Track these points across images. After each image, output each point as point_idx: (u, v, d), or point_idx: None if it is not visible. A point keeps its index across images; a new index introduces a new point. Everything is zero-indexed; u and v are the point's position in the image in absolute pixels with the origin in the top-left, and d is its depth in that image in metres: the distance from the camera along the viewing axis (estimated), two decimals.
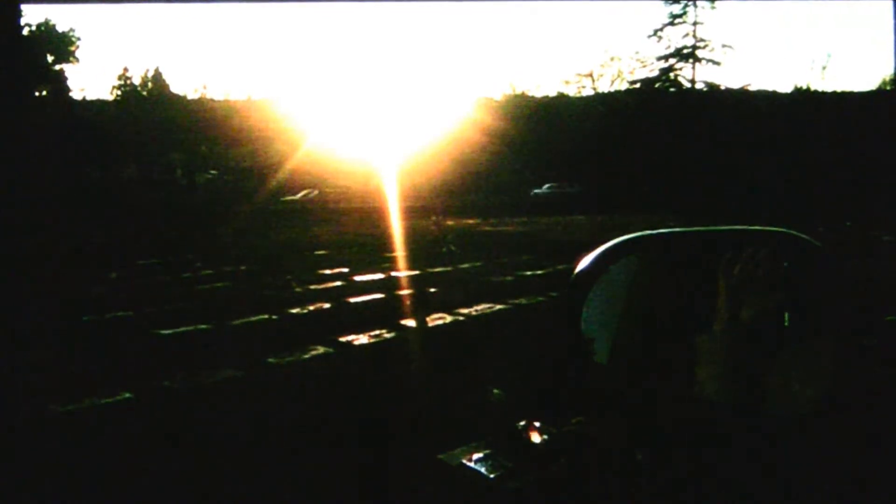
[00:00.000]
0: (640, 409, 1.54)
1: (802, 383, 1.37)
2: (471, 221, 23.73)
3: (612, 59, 49.95)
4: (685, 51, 39.85)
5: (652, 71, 40.64)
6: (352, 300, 8.38)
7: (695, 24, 39.70)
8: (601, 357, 1.63)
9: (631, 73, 42.23)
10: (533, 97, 42.71)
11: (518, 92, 42.88)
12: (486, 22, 75.54)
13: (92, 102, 43.72)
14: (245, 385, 5.05)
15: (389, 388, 4.91)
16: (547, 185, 37.07)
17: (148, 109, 41.68)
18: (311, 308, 7.94)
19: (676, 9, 39.63)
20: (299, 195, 35.74)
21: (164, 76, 45.71)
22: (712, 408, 1.40)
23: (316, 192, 36.13)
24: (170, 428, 4.22)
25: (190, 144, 40.72)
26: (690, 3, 39.24)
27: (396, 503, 3.17)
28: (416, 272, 10.66)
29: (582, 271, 1.59)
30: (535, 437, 2.64)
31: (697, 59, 39.91)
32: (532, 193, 35.95)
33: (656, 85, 40.42)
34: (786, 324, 1.45)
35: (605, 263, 1.61)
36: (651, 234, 1.74)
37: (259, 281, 10.27)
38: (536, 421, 2.64)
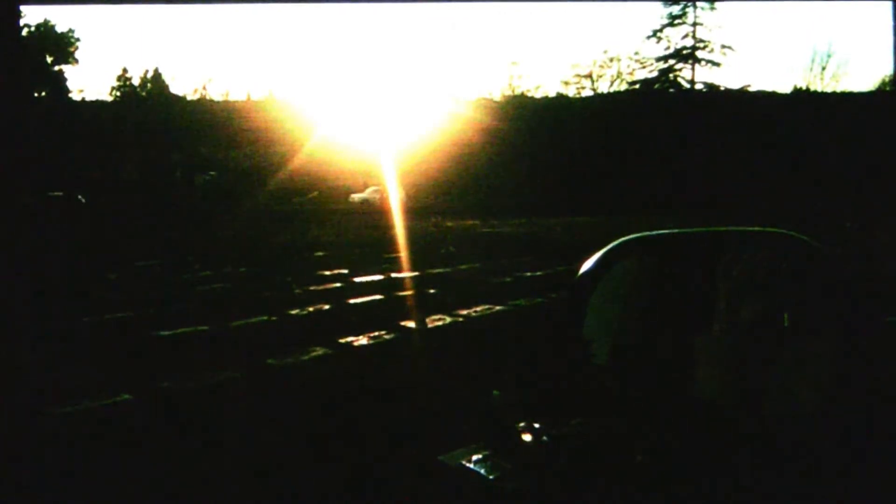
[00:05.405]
0: (640, 410, 1.54)
1: (802, 383, 1.37)
2: (470, 222, 23.71)
3: (611, 59, 49.90)
4: (685, 52, 39.97)
5: (651, 72, 40.75)
6: (351, 301, 8.38)
7: (694, 24, 39.82)
8: (601, 358, 1.63)
9: (630, 74, 42.27)
10: (532, 98, 42.68)
11: (517, 92, 42.86)
12: (486, 22, 75.55)
13: (91, 103, 43.65)
14: (245, 386, 5.05)
15: (389, 390, 4.90)
16: None
17: (147, 110, 41.64)
18: (311, 309, 7.94)
19: (676, 10, 39.73)
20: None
21: (164, 77, 45.68)
22: (712, 408, 1.40)
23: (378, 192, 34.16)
24: (169, 430, 4.22)
25: (189, 145, 40.67)
26: (690, 4, 39.31)
27: None
28: (416, 273, 10.66)
29: (585, 273, 1.59)
30: (535, 438, 2.63)
31: (697, 60, 40.02)
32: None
33: (656, 86, 40.49)
34: (786, 324, 1.45)
35: (608, 265, 1.61)
36: (651, 236, 1.74)
37: (258, 282, 10.26)
38: (536, 421, 2.63)
